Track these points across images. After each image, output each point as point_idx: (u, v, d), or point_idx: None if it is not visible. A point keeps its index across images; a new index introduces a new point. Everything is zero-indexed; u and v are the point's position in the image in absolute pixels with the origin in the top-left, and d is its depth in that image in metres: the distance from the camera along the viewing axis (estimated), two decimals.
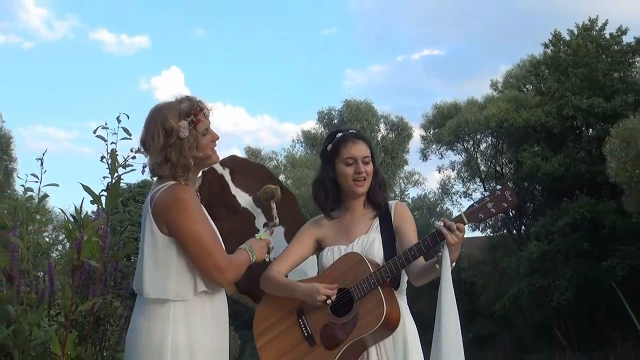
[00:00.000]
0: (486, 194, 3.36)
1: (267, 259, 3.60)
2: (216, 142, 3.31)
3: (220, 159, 3.46)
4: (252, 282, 3.75)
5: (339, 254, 3.61)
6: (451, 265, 3.32)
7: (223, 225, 3.58)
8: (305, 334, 3.53)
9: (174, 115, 3.21)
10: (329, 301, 3.47)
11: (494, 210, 3.23)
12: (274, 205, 3.75)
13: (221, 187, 3.97)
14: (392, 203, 3.75)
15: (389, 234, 3.59)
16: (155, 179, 3.35)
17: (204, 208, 3.37)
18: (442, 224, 3.31)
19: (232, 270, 3.28)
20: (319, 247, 3.76)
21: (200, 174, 3.52)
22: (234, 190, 3.98)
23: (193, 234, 3.18)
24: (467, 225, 3.29)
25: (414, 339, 3.56)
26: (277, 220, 3.73)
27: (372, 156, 3.76)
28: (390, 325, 3.37)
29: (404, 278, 3.61)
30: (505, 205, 3.23)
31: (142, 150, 3.71)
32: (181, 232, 3.18)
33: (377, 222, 3.67)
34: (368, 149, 3.75)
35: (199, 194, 3.52)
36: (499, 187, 3.28)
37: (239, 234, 3.63)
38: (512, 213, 42.43)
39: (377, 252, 3.55)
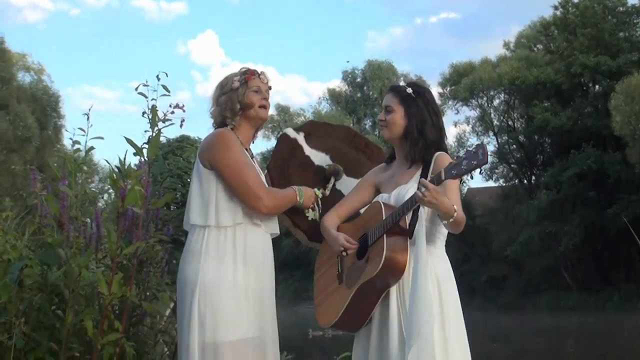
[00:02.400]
0: (465, 153, 3.09)
1: (309, 213, 3.69)
2: (265, 103, 3.54)
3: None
4: (319, 231, 3.70)
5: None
6: (448, 220, 3.10)
7: (294, 181, 3.69)
8: (338, 272, 3.51)
9: (232, 76, 3.56)
10: (344, 253, 3.40)
11: (465, 168, 2.96)
12: (333, 181, 3.84)
13: (292, 149, 3.95)
14: (436, 154, 3.39)
15: None
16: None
17: (247, 153, 3.49)
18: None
19: (271, 198, 3.40)
20: (378, 193, 3.56)
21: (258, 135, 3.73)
22: (308, 151, 3.96)
23: (230, 164, 3.34)
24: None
25: (435, 287, 3.25)
26: (327, 192, 3.81)
27: (405, 108, 3.45)
28: (393, 270, 3.21)
29: (433, 229, 3.34)
30: (475, 163, 2.94)
31: (182, 105, 3.88)
32: (220, 163, 3.36)
33: (418, 173, 3.39)
34: (394, 99, 3.48)
35: (255, 156, 3.62)
36: (475, 146, 3.06)
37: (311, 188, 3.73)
38: (525, 164, 42.25)
39: None
